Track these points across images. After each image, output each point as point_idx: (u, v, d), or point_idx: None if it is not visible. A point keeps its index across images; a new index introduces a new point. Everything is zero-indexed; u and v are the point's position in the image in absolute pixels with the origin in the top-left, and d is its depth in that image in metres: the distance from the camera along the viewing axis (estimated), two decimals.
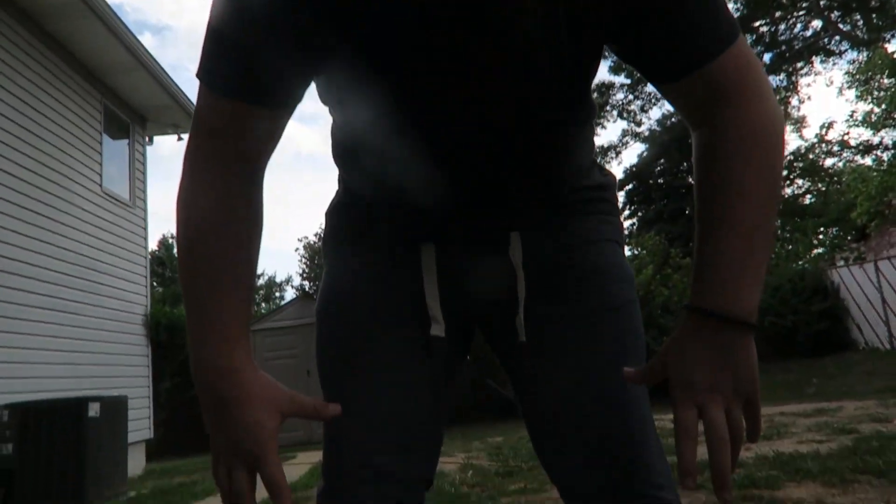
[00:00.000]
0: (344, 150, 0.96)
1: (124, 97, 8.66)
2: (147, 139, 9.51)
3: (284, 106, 0.80)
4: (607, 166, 1.04)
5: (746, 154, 0.76)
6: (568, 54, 0.76)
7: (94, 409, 5.65)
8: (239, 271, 0.81)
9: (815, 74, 33.76)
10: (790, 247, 16.94)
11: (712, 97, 0.77)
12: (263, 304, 35.62)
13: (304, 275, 17.92)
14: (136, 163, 9.02)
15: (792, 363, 12.70)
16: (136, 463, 8.03)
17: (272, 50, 0.74)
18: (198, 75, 0.77)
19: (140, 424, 8.18)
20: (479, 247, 0.94)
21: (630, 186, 28.86)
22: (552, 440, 0.92)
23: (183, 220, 0.80)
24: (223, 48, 0.75)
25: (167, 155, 50.48)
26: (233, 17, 0.73)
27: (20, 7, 6.49)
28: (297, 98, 0.81)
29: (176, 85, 8.63)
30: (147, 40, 60.29)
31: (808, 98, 36.52)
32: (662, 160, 27.94)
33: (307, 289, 16.77)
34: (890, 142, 17.53)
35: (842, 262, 13.69)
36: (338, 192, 1.05)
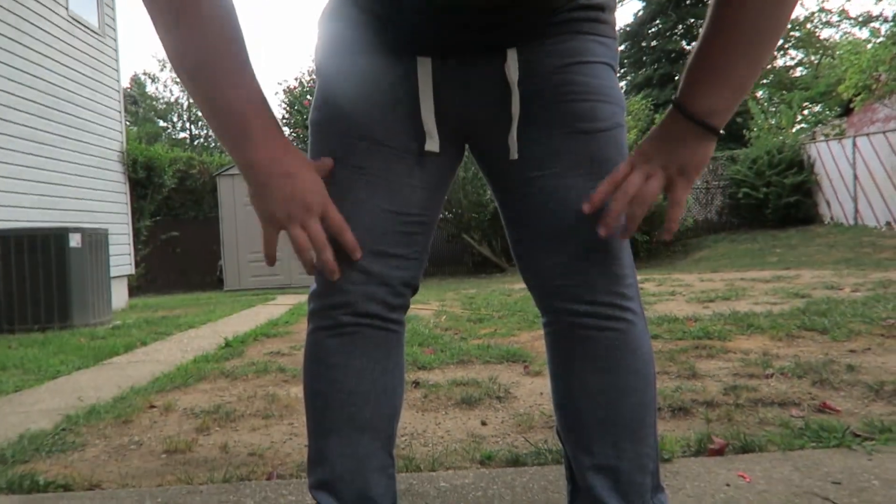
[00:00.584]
0: None
1: None
2: None
3: None
4: None
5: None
6: None
7: (75, 240, 5.71)
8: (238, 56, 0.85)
9: None
10: (773, 120, 16.85)
11: None
12: None
13: (285, 121, 17.48)
14: None
15: (758, 233, 13.11)
16: (120, 297, 8.25)
17: None
18: None
19: (121, 260, 8.32)
20: (476, 61, 0.93)
21: (622, 48, 27.95)
22: (534, 241, 0.96)
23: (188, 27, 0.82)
24: None
25: None
26: None
27: None
28: None
29: None
30: None
31: None
32: (658, 21, 26.89)
33: (288, 134, 16.44)
34: (890, 13, 17.01)
35: (822, 138, 13.74)
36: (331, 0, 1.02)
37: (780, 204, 13.10)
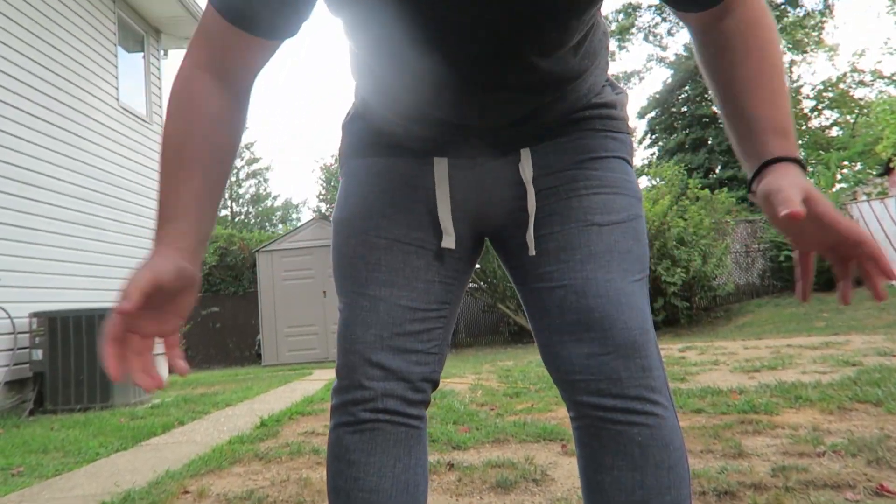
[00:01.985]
0: (359, 62, 0.98)
1: (138, 8, 8.53)
2: (163, 52, 9.40)
3: (279, 37, 0.85)
4: (629, 92, 1.05)
5: (754, 29, 0.86)
6: None
7: None
8: (196, 159, 0.85)
9: None
10: (812, 180, 16.69)
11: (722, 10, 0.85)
12: (280, 226, 35.93)
13: (321, 196, 17.95)
14: (151, 76, 8.97)
15: None
16: (160, 372, 8.34)
17: None
18: None
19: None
20: (491, 162, 0.97)
21: (652, 115, 28.25)
22: (557, 334, 0.95)
23: (169, 100, 0.88)
24: None
25: None
26: None
27: None
28: (291, 33, 0.86)
29: None
30: None
31: (844, 23, 34.88)
32: (687, 87, 27.20)
33: (324, 210, 16.84)
34: None
35: (864, 198, 13.49)
36: (354, 103, 1.07)
37: (824, 266, 12.69)
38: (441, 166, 0.97)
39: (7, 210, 5.90)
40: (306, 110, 68.04)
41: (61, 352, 5.66)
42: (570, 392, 0.96)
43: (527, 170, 0.94)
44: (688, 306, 11.95)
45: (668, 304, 11.51)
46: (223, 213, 36.48)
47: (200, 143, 0.85)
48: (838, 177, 19.13)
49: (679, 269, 11.49)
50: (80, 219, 6.97)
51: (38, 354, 5.65)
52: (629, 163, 1.00)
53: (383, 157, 1.00)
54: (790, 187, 0.76)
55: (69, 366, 5.65)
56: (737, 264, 14.30)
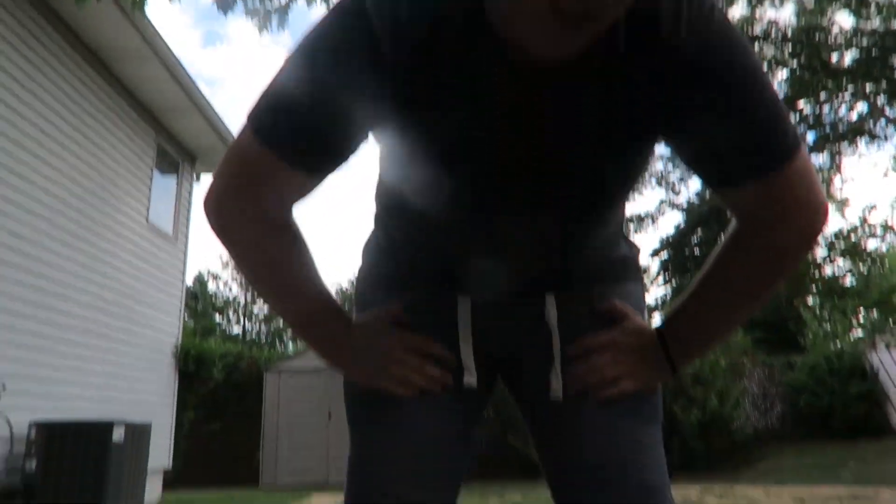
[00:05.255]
0: (389, 199, 0.99)
1: (177, 136, 9.02)
2: (195, 177, 9.83)
3: (319, 174, 0.86)
4: (643, 234, 1.12)
5: (764, 262, 0.87)
6: (623, 155, 0.83)
7: (118, 434, 5.71)
8: (299, 281, 0.94)
9: (860, 156, 33.52)
10: (828, 326, 16.48)
11: (765, 205, 0.83)
12: (290, 344, 35.76)
13: None
14: (182, 199, 9.32)
15: (827, 444, 12.21)
16: (153, 490, 8.02)
17: (328, 125, 0.79)
18: (249, 117, 0.81)
19: (160, 453, 8.21)
20: (514, 305, 0.98)
21: (664, 255, 28.60)
22: (572, 479, 0.93)
23: (235, 256, 0.93)
24: (283, 106, 0.79)
25: None
26: (304, 84, 0.77)
27: (90, 48, 6.88)
28: (334, 169, 0.86)
29: (225, 126, 8.97)
30: (200, 87, 62.34)
31: (852, 179, 36.06)
32: (699, 230, 27.70)
33: None
34: None
35: (883, 346, 13.26)
36: (375, 232, 1.07)
37: (848, 414, 12.35)
38: (464, 305, 0.97)
39: (19, 317, 5.93)
40: (323, 233, 69.78)
41: (56, 464, 5.48)
42: None
43: (551, 314, 0.95)
44: (704, 448, 11.47)
45: (685, 445, 11.07)
46: (235, 329, 36.51)
47: (291, 270, 0.94)
48: (854, 322, 18.94)
49: (695, 409, 11.16)
50: (92, 329, 7.00)
51: (32, 465, 5.48)
52: (642, 312, 1.02)
53: (403, 292, 1.00)
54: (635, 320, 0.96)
55: (61, 479, 5.45)
56: (755, 407, 13.86)
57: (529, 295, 0.96)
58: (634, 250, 1.06)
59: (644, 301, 1.04)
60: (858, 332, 17.72)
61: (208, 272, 43.08)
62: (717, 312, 0.90)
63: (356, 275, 1.09)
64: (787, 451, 12.31)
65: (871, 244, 22.03)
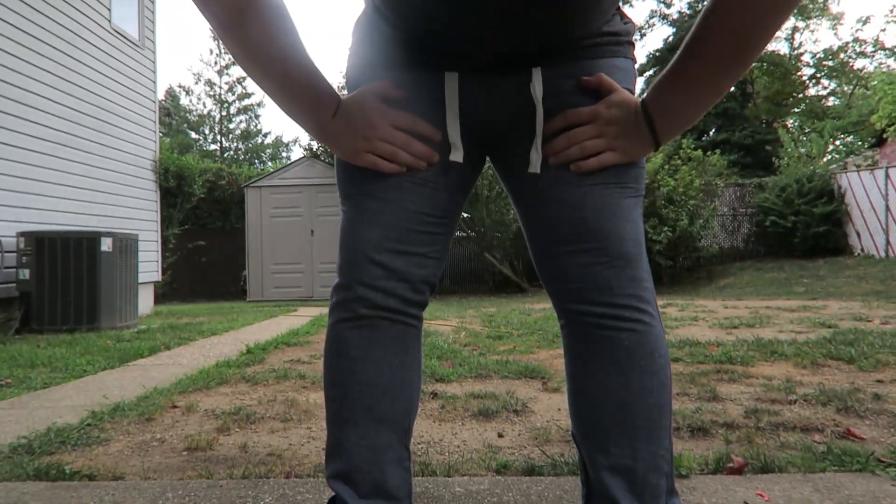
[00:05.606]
0: None
1: None
2: None
3: None
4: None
5: (737, 35, 0.85)
6: None
7: (106, 244, 5.84)
8: (281, 45, 0.92)
9: None
10: (803, 149, 16.67)
11: None
12: (270, 163, 35.56)
13: None
14: (145, 0, 8.73)
15: (785, 263, 12.92)
16: (145, 303, 8.38)
17: None
18: None
19: (149, 267, 8.46)
20: (502, 78, 0.97)
21: (651, 73, 27.96)
22: (553, 246, 0.99)
23: (217, 25, 0.89)
24: None
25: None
26: None
27: None
28: None
29: None
30: None
31: None
32: None
33: (315, 149, 16.63)
34: None
35: (854, 168, 13.56)
36: (366, 10, 1.06)
37: (808, 233, 12.90)
38: (451, 81, 0.97)
39: None
40: (319, 29, 66.27)
41: (48, 272, 5.65)
42: (562, 300, 0.99)
43: (537, 88, 0.95)
44: (671, 265, 12.09)
45: (652, 261, 11.64)
46: (212, 147, 36.01)
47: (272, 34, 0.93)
48: (829, 147, 19.16)
49: (666, 228, 11.59)
50: (67, 140, 6.86)
51: (25, 274, 5.64)
52: (633, 91, 1.02)
53: (390, 71, 1.00)
54: (602, 119, 0.95)
55: (56, 286, 5.66)
56: (723, 227, 14.43)
57: (516, 68, 0.95)
58: (629, 26, 1.04)
59: (634, 80, 1.04)
60: (834, 157, 17.97)
61: (179, 86, 41.48)
62: (697, 85, 0.89)
63: (347, 55, 1.10)
64: (749, 269, 13.04)
65: (859, 64, 21.64)
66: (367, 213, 0.99)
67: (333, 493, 1.00)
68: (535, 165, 0.97)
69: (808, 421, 2.19)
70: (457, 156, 0.99)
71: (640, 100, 0.95)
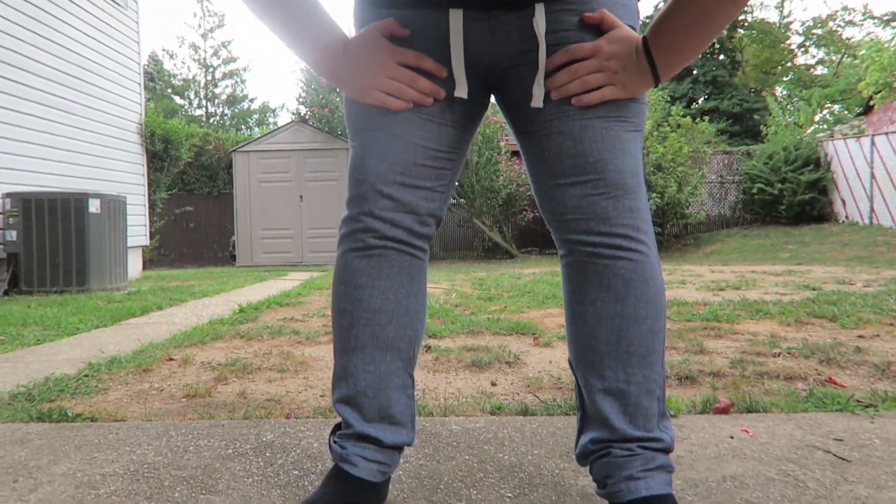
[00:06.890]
0: None
1: None
2: None
3: None
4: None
5: None
6: None
7: (94, 205, 5.80)
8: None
9: None
10: (791, 118, 16.71)
11: None
12: (257, 129, 35.13)
13: (301, 99, 17.48)
14: None
15: (771, 230, 13.06)
16: (134, 266, 8.36)
17: None
18: None
19: (137, 231, 8.41)
20: (505, 14, 0.99)
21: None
22: (553, 178, 1.01)
23: None
24: None
25: None
26: None
27: None
28: None
29: None
30: None
31: None
32: None
33: (303, 114, 16.46)
34: None
35: (840, 136, 13.63)
36: None
37: (794, 201, 13.02)
38: (456, 17, 0.99)
39: None
40: None
41: (36, 234, 5.62)
42: (561, 231, 1.02)
43: (540, 24, 0.97)
44: (659, 232, 12.18)
45: None
46: (198, 112, 35.50)
47: None
48: (817, 116, 19.22)
49: (654, 195, 11.65)
50: (52, 101, 6.76)
51: (13, 235, 5.61)
52: (635, 30, 1.03)
53: (396, 9, 1.01)
54: (602, 55, 0.96)
55: (44, 248, 5.63)
56: (710, 195, 14.52)
57: (520, 4, 0.97)
58: None
59: (637, 17, 1.06)
60: (821, 127, 18.03)
61: (163, 50, 40.72)
62: (697, 21, 0.91)
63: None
64: (735, 236, 13.17)
65: (848, 33, 21.61)
66: (375, 147, 1.01)
67: (338, 421, 1.03)
68: (538, 99, 0.99)
69: (791, 371, 2.26)
70: (462, 92, 1.01)
71: (641, 36, 0.97)
